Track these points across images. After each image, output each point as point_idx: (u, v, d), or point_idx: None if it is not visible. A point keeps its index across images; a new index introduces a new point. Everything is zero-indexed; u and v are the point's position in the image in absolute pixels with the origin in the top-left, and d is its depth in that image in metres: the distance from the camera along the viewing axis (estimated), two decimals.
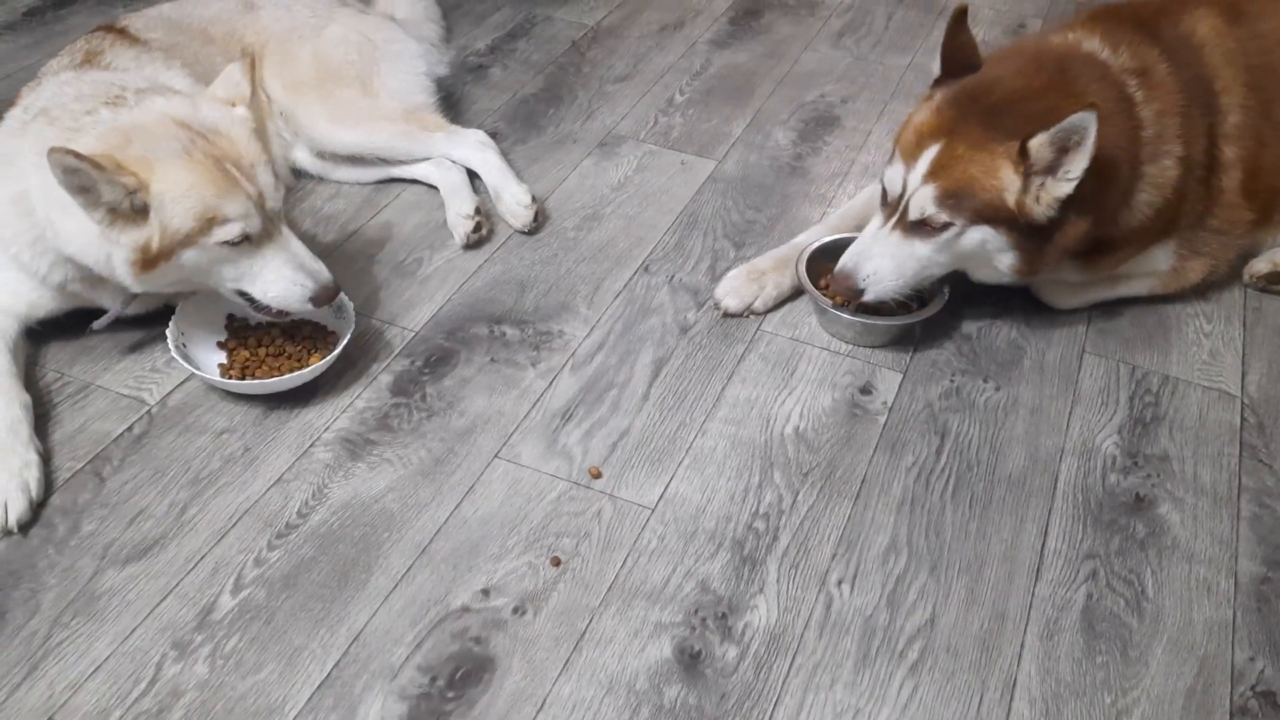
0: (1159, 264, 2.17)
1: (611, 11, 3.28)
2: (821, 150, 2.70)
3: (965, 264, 2.02)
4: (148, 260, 1.73)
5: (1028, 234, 1.90)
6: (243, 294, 1.87)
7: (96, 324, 1.96)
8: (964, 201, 1.87)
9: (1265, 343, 2.18)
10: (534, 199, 2.39)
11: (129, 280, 1.77)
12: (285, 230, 1.86)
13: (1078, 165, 1.80)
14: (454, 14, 3.19)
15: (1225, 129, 2.07)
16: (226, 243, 1.76)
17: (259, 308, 1.89)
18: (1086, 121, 1.75)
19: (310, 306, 1.87)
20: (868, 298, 1.99)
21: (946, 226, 1.90)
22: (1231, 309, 2.26)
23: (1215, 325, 2.22)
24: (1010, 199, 1.84)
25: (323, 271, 1.87)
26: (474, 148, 2.47)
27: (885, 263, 1.97)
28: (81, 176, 1.63)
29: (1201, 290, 2.25)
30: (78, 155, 1.60)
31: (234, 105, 1.86)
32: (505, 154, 2.53)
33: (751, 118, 2.81)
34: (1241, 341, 2.18)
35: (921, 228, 1.92)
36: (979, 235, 1.91)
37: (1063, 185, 1.83)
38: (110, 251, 1.73)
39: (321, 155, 2.47)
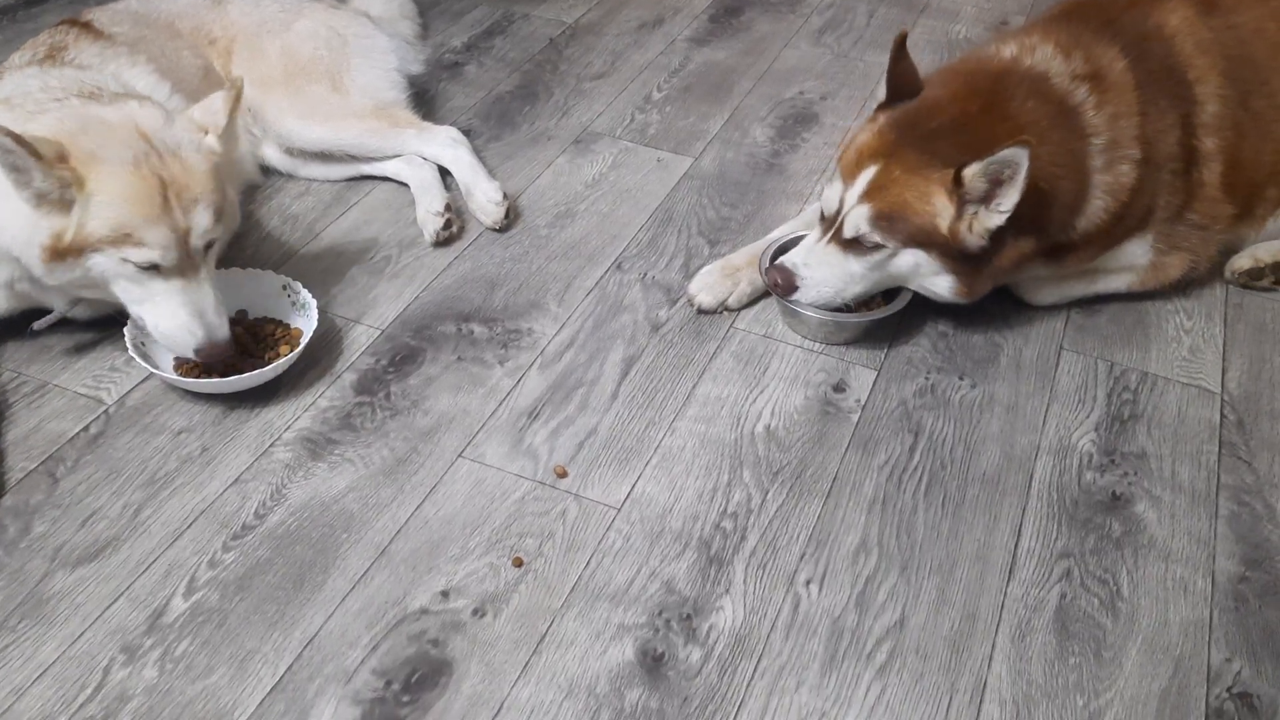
0: (1136, 259, 2.13)
1: (590, 9, 3.25)
2: (799, 147, 2.67)
3: (904, 283, 2.01)
4: (58, 251, 1.71)
5: (962, 259, 1.90)
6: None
7: (38, 324, 1.93)
8: (896, 224, 1.87)
9: (1246, 339, 2.15)
10: (505, 196, 2.35)
11: (38, 268, 1.74)
12: (205, 273, 1.80)
13: (1008, 199, 1.80)
14: (431, 12, 3.15)
15: (1203, 119, 2.04)
16: (133, 263, 1.73)
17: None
18: (1018, 157, 1.74)
19: (194, 356, 1.82)
20: (799, 297, 1.99)
21: (878, 247, 1.91)
22: (1212, 305, 2.22)
23: (1195, 321, 2.18)
24: (943, 225, 1.84)
25: (220, 328, 1.81)
26: (445, 144, 2.43)
27: (820, 272, 1.97)
28: (15, 158, 1.61)
29: (1182, 286, 2.21)
30: (16, 138, 1.58)
31: (205, 132, 1.82)
32: (479, 151, 2.50)
33: (729, 115, 2.78)
34: (1222, 338, 2.15)
35: (855, 245, 1.93)
36: (911, 258, 1.92)
37: (994, 217, 1.83)
38: (31, 235, 1.70)
39: (290, 152, 2.44)
